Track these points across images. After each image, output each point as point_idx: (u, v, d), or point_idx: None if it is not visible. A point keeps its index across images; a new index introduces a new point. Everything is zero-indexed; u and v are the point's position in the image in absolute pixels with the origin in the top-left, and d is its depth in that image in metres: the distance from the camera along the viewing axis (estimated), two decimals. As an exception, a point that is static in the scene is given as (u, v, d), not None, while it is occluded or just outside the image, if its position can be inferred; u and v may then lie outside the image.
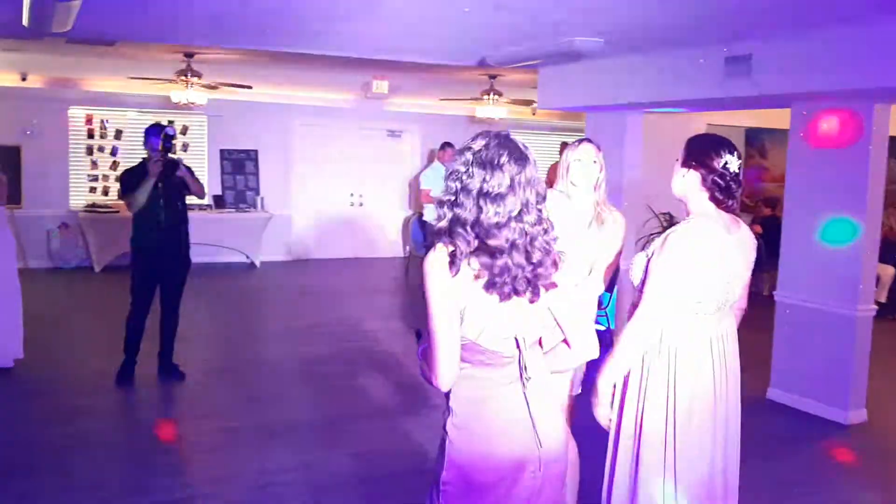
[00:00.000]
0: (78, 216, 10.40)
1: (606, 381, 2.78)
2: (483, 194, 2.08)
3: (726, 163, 2.68)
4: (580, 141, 3.56)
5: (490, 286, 2.08)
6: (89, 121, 10.90)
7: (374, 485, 4.27)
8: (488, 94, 10.28)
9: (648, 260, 2.73)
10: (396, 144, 12.86)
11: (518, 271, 2.08)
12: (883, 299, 9.01)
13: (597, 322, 8.01)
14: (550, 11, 4.66)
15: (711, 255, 2.65)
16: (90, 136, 10.93)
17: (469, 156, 2.12)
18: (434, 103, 11.60)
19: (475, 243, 2.08)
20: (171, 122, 6.15)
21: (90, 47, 7.84)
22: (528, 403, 2.18)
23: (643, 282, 2.73)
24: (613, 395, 2.83)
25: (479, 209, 2.07)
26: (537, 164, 2.16)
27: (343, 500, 4.12)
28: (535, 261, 2.10)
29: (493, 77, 9.80)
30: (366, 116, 12.26)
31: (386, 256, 12.51)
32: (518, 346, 2.15)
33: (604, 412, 2.85)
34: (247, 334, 7.72)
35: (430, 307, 2.07)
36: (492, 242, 2.07)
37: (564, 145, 12.39)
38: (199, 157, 11.61)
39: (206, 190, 5.95)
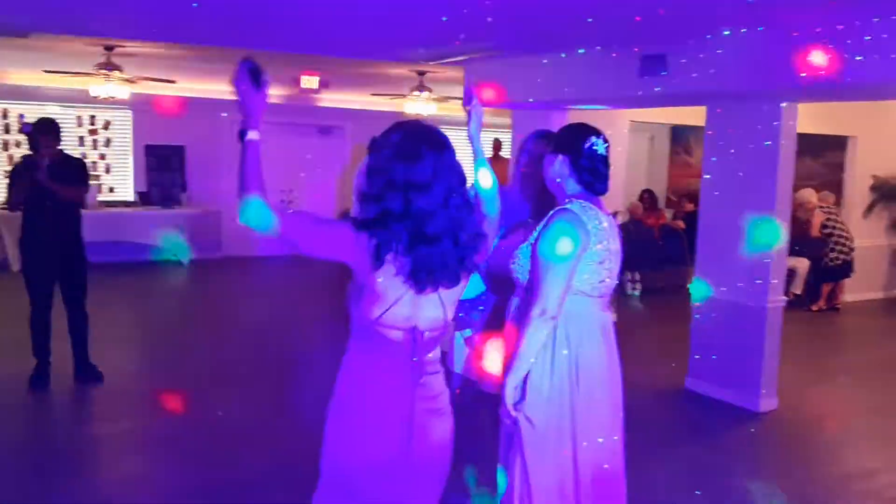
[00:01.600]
0: (-5, 214, 10.04)
1: (512, 381, 2.65)
2: (409, 186, 2.08)
3: (593, 145, 2.75)
4: (537, 132, 3.54)
5: (410, 278, 2.10)
6: (4, 115, 10.54)
7: (289, 485, 4.24)
8: (418, 91, 10.29)
9: (533, 249, 2.69)
10: (327, 140, 12.78)
11: (445, 260, 2.11)
12: (799, 291, 9.34)
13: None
14: (465, 9, 4.70)
15: (592, 235, 2.64)
16: (6, 131, 10.57)
17: (388, 150, 2.13)
18: (364, 99, 11.56)
19: (405, 236, 2.09)
20: (45, 118, 5.90)
21: (3, 39, 7.58)
22: (413, 399, 2.18)
23: (532, 272, 2.68)
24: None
25: (408, 201, 2.08)
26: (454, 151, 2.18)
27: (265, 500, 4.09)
28: (461, 244, 2.13)
29: (422, 73, 9.81)
30: (296, 112, 12.14)
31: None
32: (414, 337, 2.16)
33: (510, 412, 2.71)
34: (170, 334, 7.58)
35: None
36: (426, 231, 2.08)
37: (497, 142, 12.44)
38: (122, 152, 11.35)
39: (83, 191, 5.73)
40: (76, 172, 5.71)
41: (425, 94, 10.31)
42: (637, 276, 10.26)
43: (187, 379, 6.09)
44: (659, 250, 10.43)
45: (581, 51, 5.99)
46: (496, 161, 10.84)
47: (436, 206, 2.09)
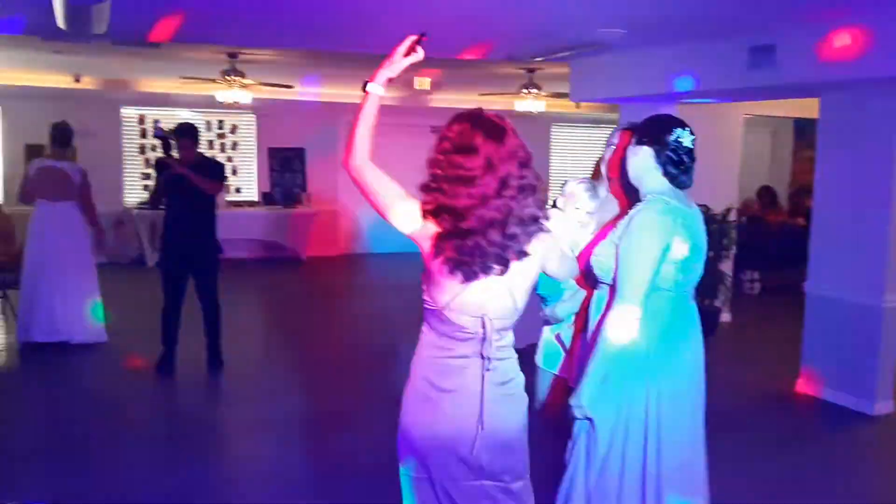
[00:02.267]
0: (131, 213, 10.79)
1: (592, 379, 2.60)
2: (459, 179, 2.14)
3: (678, 136, 2.67)
4: (624, 126, 3.41)
5: (456, 267, 2.15)
6: (141, 121, 11.30)
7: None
8: (527, 89, 10.32)
9: (617, 248, 2.63)
10: (441, 140, 12.97)
11: (490, 249, 2.13)
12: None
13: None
14: (573, 4, 4.72)
15: (676, 230, 2.58)
16: (142, 135, 11.32)
17: (447, 144, 2.20)
18: (475, 99, 11.68)
19: (448, 227, 2.15)
20: (185, 123, 6.25)
21: (139, 49, 8.15)
22: (482, 384, 2.21)
23: (615, 272, 2.63)
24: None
25: (456, 194, 2.14)
26: (519, 136, 2.20)
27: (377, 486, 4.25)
28: (509, 233, 2.14)
29: (531, 71, 9.84)
30: (409, 112, 12.41)
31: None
32: (483, 326, 2.20)
33: (584, 410, 2.66)
34: (292, 327, 7.93)
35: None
36: (463, 225, 2.12)
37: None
38: (247, 155, 11.93)
39: (217, 186, 5.96)
40: (211, 170, 5.99)
41: (535, 91, 10.33)
42: (755, 275, 9.91)
43: (305, 367, 6.38)
44: (778, 248, 10.03)
45: (692, 47, 5.88)
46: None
47: (482, 198, 2.11)
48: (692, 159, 2.70)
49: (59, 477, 4.17)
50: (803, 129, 12.31)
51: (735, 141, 8.23)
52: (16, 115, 10.49)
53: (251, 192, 12.06)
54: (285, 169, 12.22)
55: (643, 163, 2.71)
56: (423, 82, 11.27)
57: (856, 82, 5.02)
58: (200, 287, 6.05)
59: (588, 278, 2.86)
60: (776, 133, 12.46)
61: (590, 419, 2.64)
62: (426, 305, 2.25)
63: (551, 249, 2.31)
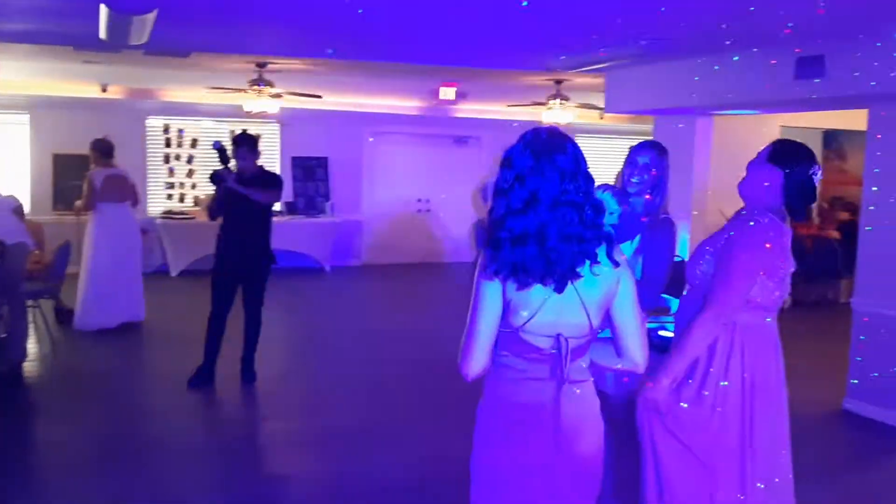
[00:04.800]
0: (155, 223, 10.75)
1: (670, 375, 2.72)
2: (497, 191, 2.18)
3: (813, 172, 2.70)
4: (643, 143, 3.50)
5: (501, 275, 2.13)
6: (166, 130, 11.27)
7: (442, 489, 4.28)
8: (554, 99, 10.24)
9: (719, 255, 2.71)
10: (463, 150, 12.91)
11: (530, 261, 2.10)
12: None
13: (664, 328, 7.86)
14: (613, 14, 4.63)
15: (777, 251, 2.67)
16: (167, 144, 11.30)
17: (501, 158, 2.23)
18: (501, 109, 11.61)
19: (488, 238, 2.17)
20: (244, 132, 6.21)
21: (166, 59, 8.14)
22: (559, 405, 2.18)
23: (714, 276, 2.71)
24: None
25: (494, 206, 2.18)
26: (570, 152, 2.16)
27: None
28: (548, 247, 2.09)
29: (559, 82, 9.76)
30: (433, 123, 12.36)
31: (453, 261, 12.55)
32: (558, 345, 2.16)
33: (662, 400, 2.76)
34: (317, 338, 7.85)
35: (473, 298, 2.19)
36: (497, 235, 2.14)
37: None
38: (271, 164, 11.87)
39: (270, 197, 5.90)
40: (268, 181, 5.93)
41: (562, 102, 10.25)
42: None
43: (334, 381, 6.28)
44: (810, 262, 9.89)
45: (735, 58, 5.78)
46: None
47: (506, 210, 2.12)
48: (815, 197, 2.77)
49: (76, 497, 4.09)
50: (830, 140, 12.19)
51: (771, 152, 8.11)
52: (43, 125, 10.46)
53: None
54: (308, 178, 12.15)
55: (771, 185, 2.72)
56: (448, 92, 11.22)
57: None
58: (248, 297, 5.97)
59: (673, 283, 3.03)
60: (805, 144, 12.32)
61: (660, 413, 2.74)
62: (501, 328, 2.21)
63: (624, 284, 2.22)
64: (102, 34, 4.30)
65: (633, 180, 3.38)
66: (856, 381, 5.73)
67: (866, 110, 5.71)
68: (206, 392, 5.88)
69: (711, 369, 2.71)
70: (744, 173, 2.84)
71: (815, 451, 4.98)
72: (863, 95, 5.14)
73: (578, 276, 2.13)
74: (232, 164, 5.86)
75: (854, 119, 7.06)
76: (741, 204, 2.86)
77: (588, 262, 2.13)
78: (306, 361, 6.95)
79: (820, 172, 2.73)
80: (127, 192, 7.57)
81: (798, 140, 2.84)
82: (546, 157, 2.13)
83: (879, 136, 5.55)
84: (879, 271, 5.58)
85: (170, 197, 11.36)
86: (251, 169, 5.86)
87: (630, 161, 3.40)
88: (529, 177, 2.12)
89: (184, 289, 9.70)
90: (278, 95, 9.73)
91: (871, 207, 5.68)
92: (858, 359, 5.72)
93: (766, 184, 2.73)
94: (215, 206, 5.96)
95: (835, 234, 10.18)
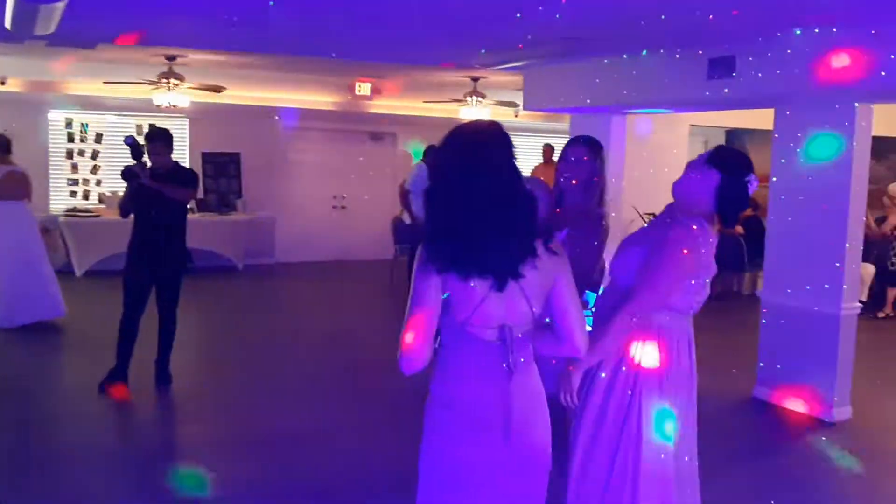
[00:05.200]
0: (58, 221, 10.28)
1: (582, 367, 2.73)
2: (436, 186, 2.17)
3: (749, 182, 2.77)
4: (575, 138, 3.54)
5: (442, 270, 2.13)
6: (69, 125, 10.79)
7: (369, 493, 4.25)
8: (471, 97, 10.30)
9: (642, 255, 2.75)
10: (380, 147, 12.84)
11: (470, 255, 2.11)
12: (865, 297, 9.10)
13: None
14: (530, 13, 4.68)
15: (705, 258, 2.74)
16: (70, 139, 10.82)
17: (436, 153, 2.24)
18: (417, 105, 11.60)
19: (430, 230, 2.17)
20: (157, 127, 6.00)
21: (71, 50, 7.79)
22: (509, 394, 2.20)
23: (639, 274, 2.74)
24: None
25: (434, 200, 2.17)
26: (505, 150, 2.18)
27: None
28: (485, 243, 2.11)
29: (475, 79, 9.82)
30: (349, 119, 12.24)
31: (370, 259, 12.47)
32: (503, 335, 2.17)
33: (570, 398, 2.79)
34: (232, 338, 7.66)
35: (412, 293, 2.17)
36: (435, 229, 2.15)
37: (548, 147, 12.41)
38: (180, 160, 11.49)
39: (186, 194, 5.71)
40: (184, 177, 5.75)
41: (478, 99, 10.31)
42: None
43: (251, 382, 6.15)
44: (716, 256, 10.25)
45: (644, 53, 5.93)
46: (547, 167, 10.78)
47: (449, 205, 2.12)
48: (747, 206, 2.87)
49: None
50: (733, 139, 12.69)
51: (681, 150, 8.38)
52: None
53: (184, 199, 11.64)
54: (220, 174, 11.85)
55: (706, 188, 2.77)
56: (363, 88, 11.14)
57: (814, 93, 5.13)
58: (163, 298, 5.79)
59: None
60: (709, 143, 12.77)
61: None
62: (445, 322, 2.21)
63: (560, 272, 2.26)
64: (8, 24, 4.08)
65: (564, 175, 3.42)
66: (763, 369, 5.98)
67: (772, 110, 5.96)
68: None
69: (623, 367, 2.77)
70: (656, 170, 2.91)
71: (726, 437, 5.17)
72: (770, 96, 5.35)
73: (519, 272, 2.14)
74: (145, 159, 5.65)
75: (755, 118, 7.38)
76: (654, 200, 2.93)
77: (528, 256, 2.14)
78: (221, 362, 6.77)
79: (756, 181, 2.79)
80: (24, 189, 7.46)
81: (704, 138, 2.93)
82: (480, 152, 2.14)
83: (784, 135, 5.79)
84: (785, 264, 5.83)
85: (73, 194, 10.89)
86: (165, 164, 5.67)
87: (563, 157, 3.43)
88: (464, 173, 2.12)
89: (90, 289, 9.31)
90: (191, 89, 9.44)
91: (777, 203, 5.92)
92: (765, 348, 5.97)
93: (702, 186, 2.78)
94: (127, 204, 5.74)
95: (739, 230, 10.57)
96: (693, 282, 2.73)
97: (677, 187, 2.86)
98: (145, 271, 5.68)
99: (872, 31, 4.44)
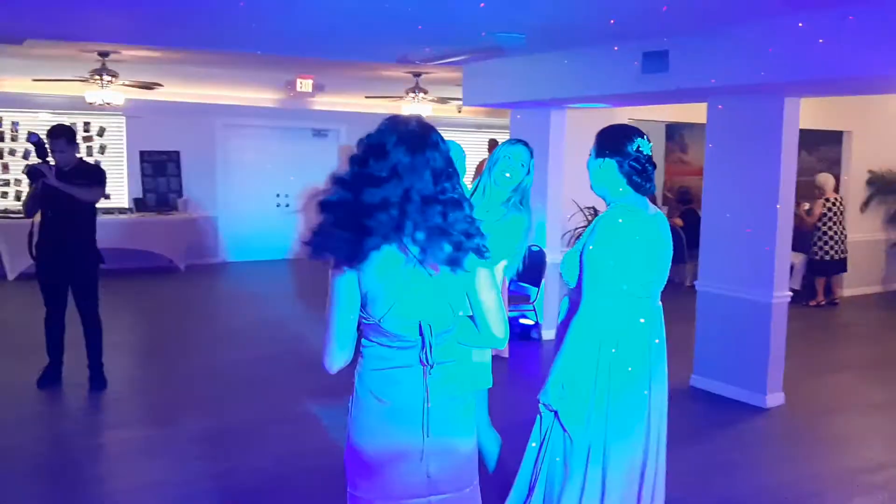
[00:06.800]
0: (-11, 222, 9.96)
1: (559, 374, 2.74)
2: (366, 178, 2.09)
3: (639, 146, 2.77)
4: (518, 141, 3.59)
5: (344, 260, 2.09)
6: (-1, 123, 10.47)
7: (300, 484, 4.22)
8: (413, 92, 10.28)
9: (581, 254, 2.75)
10: (323, 143, 12.74)
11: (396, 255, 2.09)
12: (797, 286, 9.36)
13: (524, 316, 8.03)
14: (468, 8, 4.68)
15: (641, 238, 2.71)
16: (0, 139, 10.49)
17: (364, 140, 2.16)
18: (360, 101, 11.54)
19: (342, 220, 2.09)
20: (61, 124, 5.88)
21: (-2, 46, 7.55)
22: (426, 390, 2.19)
23: (580, 276, 2.75)
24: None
25: (361, 192, 2.08)
26: (442, 149, 2.15)
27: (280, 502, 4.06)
28: (418, 241, 2.09)
29: (417, 75, 9.81)
30: (291, 116, 12.12)
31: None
32: (421, 332, 2.16)
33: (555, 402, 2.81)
34: (171, 340, 7.53)
35: (329, 292, 2.14)
36: (367, 223, 2.07)
37: (493, 143, 12.47)
38: (118, 158, 11.29)
39: (95, 194, 5.60)
40: (91, 175, 5.64)
41: (421, 95, 10.30)
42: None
43: (193, 384, 6.06)
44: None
45: (585, 53, 5.98)
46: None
47: (384, 202, 2.06)
48: (654, 166, 2.81)
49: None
50: (672, 133, 12.90)
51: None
52: None
53: (122, 199, 11.39)
54: (159, 173, 11.63)
55: (608, 175, 2.79)
56: (304, 84, 11.03)
57: (743, 87, 5.24)
58: (79, 299, 5.69)
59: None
60: (649, 137, 12.95)
61: (555, 412, 2.77)
62: (363, 321, 2.18)
63: (483, 274, 2.23)
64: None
65: (507, 175, 3.45)
66: (700, 359, 6.09)
67: (706, 104, 6.07)
68: (52, 402, 5.53)
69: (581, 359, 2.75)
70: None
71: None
72: (703, 89, 5.44)
73: (464, 269, 2.13)
74: (50, 158, 5.54)
75: (693, 112, 7.50)
76: (593, 194, 2.95)
77: (473, 256, 2.14)
78: (159, 365, 6.63)
79: (646, 143, 2.79)
80: None
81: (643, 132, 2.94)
82: (421, 153, 2.10)
83: (716, 129, 5.91)
84: (719, 255, 5.95)
85: (4, 195, 10.57)
86: (70, 162, 5.56)
87: (505, 156, 3.47)
88: (405, 173, 2.08)
89: (23, 293, 9.03)
90: (124, 86, 9.22)
91: (710, 195, 6.04)
92: (702, 338, 6.09)
93: (604, 177, 2.81)
94: (31, 203, 5.63)
95: (678, 222, 10.77)
96: (637, 263, 2.70)
97: (593, 187, 2.90)
98: (54, 270, 5.60)
99: (799, 24, 4.54)
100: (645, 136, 2.81)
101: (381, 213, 2.06)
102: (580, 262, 2.76)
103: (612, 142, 2.80)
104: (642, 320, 2.79)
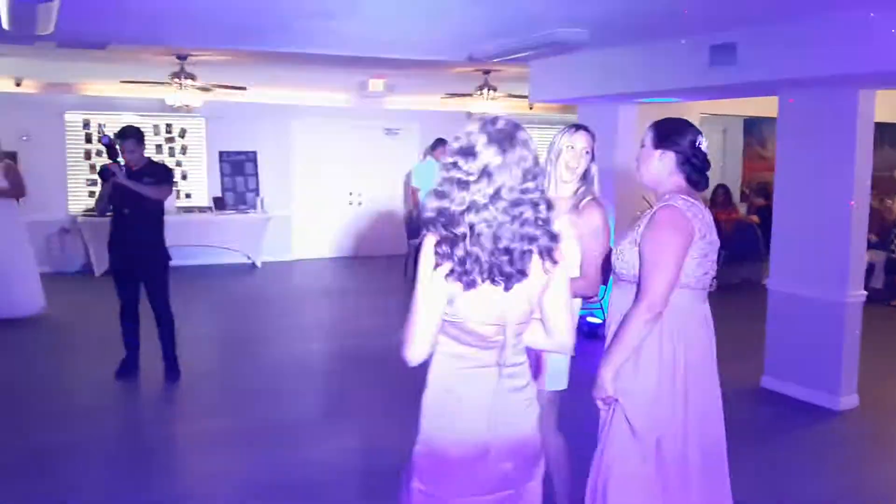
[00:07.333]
0: (77, 221, 10.45)
1: (609, 370, 2.76)
2: (456, 182, 2.10)
3: (698, 142, 2.76)
4: (575, 127, 3.39)
5: (452, 274, 2.10)
6: (86, 125, 10.94)
7: (374, 479, 4.27)
8: (483, 90, 10.29)
9: (638, 246, 2.72)
10: (394, 142, 12.87)
11: (483, 259, 2.08)
12: (879, 285, 8.99)
13: (592, 315, 7.95)
14: (532, 3, 4.67)
15: (696, 229, 2.68)
16: (87, 140, 10.97)
17: (454, 145, 2.16)
18: (431, 100, 11.62)
19: (443, 232, 2.10)
20: (128, 125, 6.12)
21: (83, 51, 7.90)
22: (499, 389, 2.21)
23: (641, 266, 2.71)
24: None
25: (452, 198, 2.10)
26: (531, 147, 2.14)
27: (344, 495, 4.13)
28: (502, 247, 2.09)
29: (487, 72, 9.82)
30: (363, 115, 12.28)
31: (386, 254, 12.51)
32: (504, 334, 2.18)
33: (604, 399, 2.83)
34: (248, 334, 7.73)
35: (416, 287, 2.15)
36: (454, 230, 2.08)
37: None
38: (197, 159, 11.66)
39: (162, 192, 5.79)
40: (158, 174, 5.85)
41: (491, 92, 10.30)
42: (711, 273, 10.00)
43: (263, 376, 6.22)
44: (732, 246, 10.16)
45: (655, 47, 5.89)
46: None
47: (469, 205, 2.07)
48: (709, 164, 2.81)
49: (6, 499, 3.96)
50: (751, 127, 12.56)
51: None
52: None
53: (202, 197, 11.78)
54: (237, 173, 11.96)
55: (667, 167, 2.79)
56: (376, 84, 11.18)
57: (815, 80, 5.07)
58: (150, 294, 5.93)
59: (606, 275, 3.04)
60: (727, 131, 12.65)
61: (616, 400, 2.78)
62: (447, 318, 2.18)
63: (558, 274, 2.23)
64: (5, 24, 4.16)
65: (572, 165, 3.30)
66: (772, 359, 5.92)
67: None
68: (127, 393, 5.77)
69: (644, 353, 2.73)
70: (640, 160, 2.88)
71: (734, 426, 5.12)
72: (772, 82, 5.29)
73: (526, 275, 2.13)
74: (121, 158, 5.77)
75: (772, 106, 7.28)
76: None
77: (540, 260, 2.14)
78: (233, 357, 6.85)
79: (704, 139, 2.78)
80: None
81: (722, 127, 2.90)
82: (512, 152, 2.10)
83: (787, 123, 5.73)
84: (791, 253, 5.77)
85: (91, 195, 11.03)
86: (139, 161, 5.78)
87: (569, 146, 3.31)
88: (497, 172, 2.08)
89: (109, 288, 9.39)
90: (203, 89, 9.53)
91: (782, 191, 5.87)
92: (773, 338, 5.92)
93: (661, 169, 2.79)
94: (104, 202, 5.89)
95: (754, 219, 10.48)
96: (692, 256, 2.68)
97: (644, 179, 2.87)
98: (125, 266, 5.85)
99: (871, 14, 4.37)
100: (701, 133, 2.80)
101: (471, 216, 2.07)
102: (639, 253, 2.72)
103: (674, 134, 2.79)
104: (704, 313, 2.79)
